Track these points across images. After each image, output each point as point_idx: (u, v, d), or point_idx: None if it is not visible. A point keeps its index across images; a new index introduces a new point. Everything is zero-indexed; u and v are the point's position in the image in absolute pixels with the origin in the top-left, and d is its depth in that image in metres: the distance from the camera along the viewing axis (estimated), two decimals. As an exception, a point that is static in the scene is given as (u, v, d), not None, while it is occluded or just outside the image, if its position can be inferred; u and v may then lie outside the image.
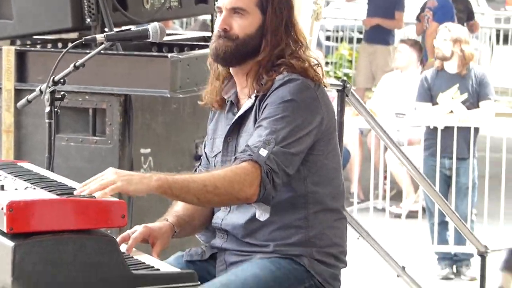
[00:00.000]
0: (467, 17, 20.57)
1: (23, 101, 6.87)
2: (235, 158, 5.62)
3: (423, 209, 14.59)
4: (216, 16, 6.27)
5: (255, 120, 5.71)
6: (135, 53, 7.36)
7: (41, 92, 6.40)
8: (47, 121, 6.28)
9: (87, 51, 6.50)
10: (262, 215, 5.61)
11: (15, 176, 5.77)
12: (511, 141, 14.65)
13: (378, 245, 9.70)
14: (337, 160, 6.33)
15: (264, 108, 5.66)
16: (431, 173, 13.85)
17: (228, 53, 5.82)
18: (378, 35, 21.63)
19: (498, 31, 27.18)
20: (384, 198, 16.20)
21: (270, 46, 5.84)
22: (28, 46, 7.41)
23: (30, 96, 6.82)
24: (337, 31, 23.99)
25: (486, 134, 16.23)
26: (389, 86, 16.63)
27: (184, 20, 29.17)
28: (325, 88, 6.09)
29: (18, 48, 7.14)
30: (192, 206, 6.03)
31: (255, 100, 5.76)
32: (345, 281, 6.29)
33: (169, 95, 7.11)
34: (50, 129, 6.28)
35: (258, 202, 5.51)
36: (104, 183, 5.41)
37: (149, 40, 7.30)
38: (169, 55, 7.37)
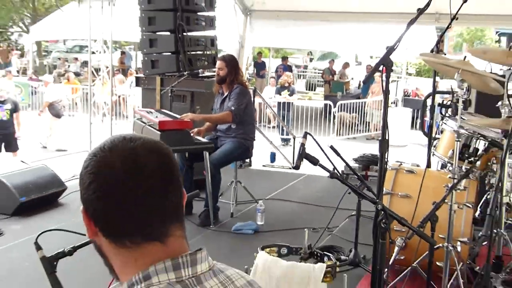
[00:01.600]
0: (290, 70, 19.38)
1: (162, 92, 6.82)
2: (224, 110, 5.73)
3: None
4: (216, 69, 5.88)
5: (229, 99, 5.77)
6: (196, 78, 7.14)
7: (168, 90, 6.36)
8: (169, 97, 6.22)
9: (182, 78, 6.29)
10: (234, 125, 5.71)
11: (159, 113, 5.72)
12: (307, 108, 13.56)
13: (267, 138, 9.45)
14: (252, 111, 6.42)
15: (231, 96, 5.75)
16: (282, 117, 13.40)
17: (219, 80, 5.82)
18: (261, 71, 20.70)
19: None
20: (269, 122, 14.69)
21: (230, 78, 5.73)
22: (164, 75, 7.20)
23: (163, 91, 6.68)
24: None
25: (296, 104, 15.09)
26: (267, 92, 15.72)
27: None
28: (248, 89, 6.17)
29: (160, 76, 7.13)
30: (210, 123, 5.94)
31: (228, 93, 5.80)
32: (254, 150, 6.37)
33: (204, 91, 7.01)
34: (171, 101, 6.14)
35: (232, 122, 5.67)
36: (187, 115, 5.63)
37: (200, 74, 7.26)
38: (205, 79, 7.21)
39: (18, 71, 23.37)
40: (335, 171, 2.90)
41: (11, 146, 10.35)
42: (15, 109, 10.54)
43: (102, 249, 1.21)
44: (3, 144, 10.14)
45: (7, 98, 10.67)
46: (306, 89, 22.74)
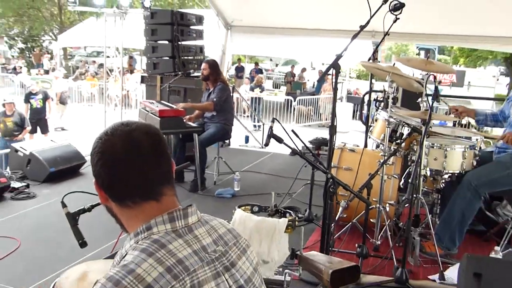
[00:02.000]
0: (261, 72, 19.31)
1: (161, 88, 6.51)
2: (209, 101, 5.59)
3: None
4: (202, 69, 5.70)
5: (213, 93, 5.60)
6: (188, 77, 6.93)
7: (166, 86, 6.26)
8: (167, 91, 6.13)
9: (177, 77, 6.31)
10: (215, 113, 5.58)
11: (159, 104, 5.54)
12: (273, 102, 13.39)
13: (242, 125, 9.44)
14: (231, 103, 6.09)
15: (214, 90, 5.60)
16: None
17: (203, 78, 5.73)
18: (240, 73, 20.80)
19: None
20: (244, 112, 14.94)
21: (213, 77, 5.63)
22: (163, 74, 6.93)
23: (163, 87, 6.36)
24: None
25: (265, 99, 15.52)
26: (243, 89, 15.69)
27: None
28: (229, 86, 5.96)
29: (160, 76, 6.88)
30: (198, 111, 5.78)
31: (213, 89, 5.65)
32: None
33: (194, 87, 6.75)
34: (168, 95, 6.10)
35: (214, 110, 5.56)
36: (179, 105, 5.52)
37: (191, 74, 7.13)
38: (195, 78, 6.94)
39: (48, 71, 23.06)
40: (296, 148, 2.89)
41: (43, 128, 10.28)
42: (45, 97, 10.45)
43: (113, 210, 1.23)
44: (38, 127, 10.10)
45: (39, 90, 10.56)
46: (273, 88, 22.60)
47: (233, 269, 1.19)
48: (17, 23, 27.31)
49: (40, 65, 24.02)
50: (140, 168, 1.16)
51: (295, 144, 2.68)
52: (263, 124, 9.93)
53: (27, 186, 5.20)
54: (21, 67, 20.89)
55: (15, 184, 5.10)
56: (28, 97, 10.25)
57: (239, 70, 20.85)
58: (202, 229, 1.21)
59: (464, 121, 5.17)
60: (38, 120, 10.14)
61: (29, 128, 9.00)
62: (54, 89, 13.37)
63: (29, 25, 26.95)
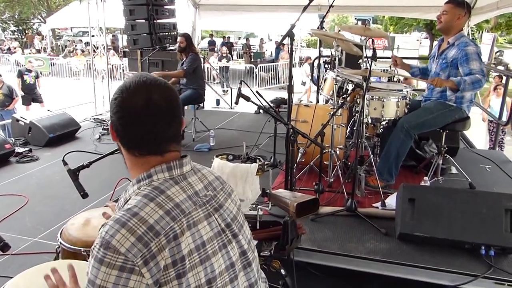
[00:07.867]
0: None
1: (142, 60, 6.33)
2: (180, 69, 5.36)
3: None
4: (178, 42, 5.51)
5: (185, 62, 5.37)
6: (164, 51, 6.68)
7: (146, 59, 6.00)
8: (147, 64, 5.92)
9: (154, 51, 6.07)
10: (188, 80, 5.37)
11: None
12: (238, 70, 12.79)
13: (213, 89, 9.32)
14: (202, 71, 5.70)
15: (186, 60, 5.35)
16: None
17: (180, 50, 5.47)
18: (211, 46, 20.26)
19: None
20: (214, 79, 14.95)
21: (188, 49, 5.38)
22: (142, 49, 6.63)
23: (143, 60, 6.16)
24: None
25: (231, 67, 15.25)
26: (212, 59, 15.37)
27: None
28: (199, 57, 5.66)
29: (140, 50, 6.63)
30: (174, 78, 5.47)
31: (185, 59, 5.39)
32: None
33: (170, 59, 6.54)
34: (148, 66, 5.72)
35: (184, 76, 5.32)
36: (154, 73, 5.32)
37: (167, 48, 6.92)
38: (170, 51, 6.78)
39: (39, 50, 21.96)
40: (262, 105, 2.85)
41: (38, 99, 10.13)
42: (37, 76, 10.27)
43: (120, 149, 1.19)
44: (32, 99, 9.90)
45: (33, 69, 10.29)
46: (237, 58, 22.29)
47: (221, 209, 1.19)
48: (7, 8, 25.99)
49: (32, 45, 23.05)
50: (152, 129, 1.10)
51: (260, 102, 2.64)
52: (231, 89, 9.79)
53: (30, 150, 5.00)
54: (15, 48, 19.81)
55: (19, 150, 4.89)
56: (23, 72, 9.93)
57: (211, 43, 20.40)
58: (195, 177, 1.19)
59: (395, 79, 5.23)
60: (32, 94, 10.01)
61: (17, 98, 8.71)
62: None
63: (18, 9, 25.59)
